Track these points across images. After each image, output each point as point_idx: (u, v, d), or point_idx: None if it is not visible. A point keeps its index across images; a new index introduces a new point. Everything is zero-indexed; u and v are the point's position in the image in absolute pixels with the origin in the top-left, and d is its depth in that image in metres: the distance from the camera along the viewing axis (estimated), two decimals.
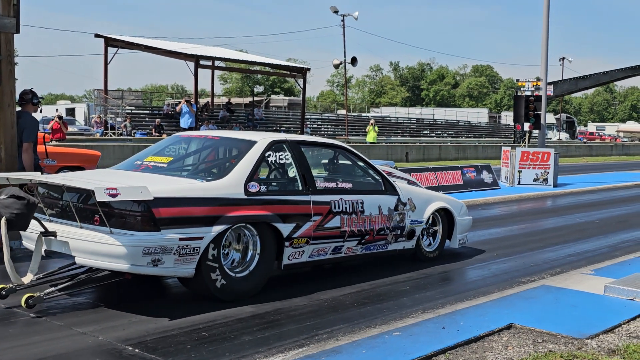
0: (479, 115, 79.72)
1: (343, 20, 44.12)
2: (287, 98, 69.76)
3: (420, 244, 8.87)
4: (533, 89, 21.98)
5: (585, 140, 73.08)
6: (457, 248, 9.53)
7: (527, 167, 20.16)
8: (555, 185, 20.16)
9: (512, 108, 23.69)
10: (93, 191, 5.64)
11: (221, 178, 6.77)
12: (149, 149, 7.99)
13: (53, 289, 6.20)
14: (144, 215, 5.95)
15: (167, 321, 5.98)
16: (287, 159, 7.44)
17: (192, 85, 38.62)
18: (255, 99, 59.23)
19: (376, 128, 34.63)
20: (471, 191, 17.77)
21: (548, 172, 20.04)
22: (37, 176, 6.73)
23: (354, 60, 42.89)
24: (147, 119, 39.53)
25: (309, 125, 47.15)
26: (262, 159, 7.13)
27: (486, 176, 18.88)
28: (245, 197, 6.71)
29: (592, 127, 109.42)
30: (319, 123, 53.13)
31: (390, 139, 47.39)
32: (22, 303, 5.95)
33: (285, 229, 6.98)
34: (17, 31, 8.59)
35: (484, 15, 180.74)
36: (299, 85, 47.18)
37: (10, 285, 6.28)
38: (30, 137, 8.88)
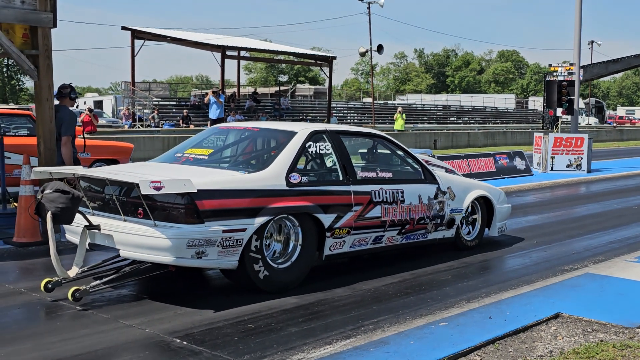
0: (505, 101, 78.99)
1: (369, 8, 43.94)
2: (312, 87, 69.64)
3: (460, 232, 8.80)
4: (566, 73, 21.69)
5: (615, 124, 72.13)
6: (496, 236, 9.43)
7: (560, 152, 19.90)
8: (589, 171, 19.89)
9: (540, 93, 23.35)
10: (138, 184, 5.66)
11: (263, 169, 6.75)
12: (188, 141, 8.00)
13: (98, 282, 6.24)
14: (187, 208, 5.95)
15: (212, 313, 5.99)
16: (328, 149, 7.40)
17: (216, 75, 38.89)
18: (282, 88, 59.18)
19: (404, 116, 34.41)
20: (504, 178, 17.58)
21: (582, 158, 19.77)
22: (79, 170, 6.76)
23: (380, 48, 42.70)
24: (174, 110, 39.71)
25: (335, 114, 47.04)
26: (302, 149, 7.11)
27: (519, 163, 18.68)
28: (287, 188, 6.69)
29: (621, 111, 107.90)
30: (345, 112, 52.99)
31: (417, 127, 47.14)
32: (69, 296, 6.00)
33: (326, 219, 6.95)
34: (54, 25, 8.64)
35: (509, 0, 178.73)
36: (324, 73, 47.06)
37: (56, 279, 6.32)
38: (68, 131, 8.93)
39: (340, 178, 7.29)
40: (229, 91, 44.38)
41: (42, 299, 6.33)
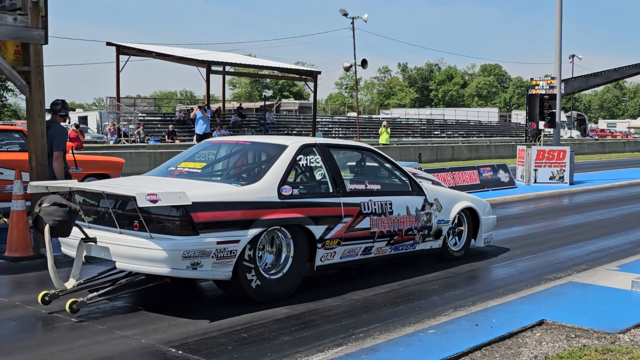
0: (489, 114, 79.72)
1: (353, 23, 44.16)
2: (297, 102, 69.89)
3: (447, 243, 8.98)
4: (547, 87, 22.03)
5: (596, 137, 72.90)
6: (482, 247, 9.63)
7: (543, 165, 20.18)
8: (572, 183, 20.18)
9: (522, 107, 23.68)
10: (134, 197, 5.81)
11: (255, 182, 6.92)
12: (180, 155, 8.18)
13: (95, 293, 6.35)
14: (182, 220, 6.10)
15: (206, 323, 6.11)
16: (318, 162, 7.57)
17: (200, 90, 39.22)
18: (267, 103, 59.39)
19: (389, 130, 34.66)
20: (488, 190, 17.82)
21: (564, 170, 20.06)
22: (76, 184, 6.88)
23: (364, 63, 42.94)
24: (159, 125, 39.79)
25: (320, 129, 47.27)
26: (293, 162, 7.28)
27: (503, 175, 18.93)
28: (279, 200, 6.87)
29: (602, 124, 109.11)
30: (330, 126, 53.25)
31: (402, 140, 47.46)
32: (67, 308, 6.10)
33: (317, 230, 7.13)
34: (46, 42, 8.77)
35: (491, 14, 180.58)
36: (308, 88, 47.33)
37: (53, 291, 6.42)
38: (60, 146, 9.04)
39: (330, 190, 7.47)
40: (214, 106, 44.55)
41: (37, 311, 6.43)
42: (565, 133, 68.38)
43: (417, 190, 8.53)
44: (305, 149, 7.50)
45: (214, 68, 38.85)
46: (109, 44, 38.38)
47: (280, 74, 48.68)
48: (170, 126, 37.00)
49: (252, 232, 6.52)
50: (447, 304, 6.93)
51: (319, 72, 43.72)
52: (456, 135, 60.50)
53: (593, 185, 20.31)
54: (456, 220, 9.15)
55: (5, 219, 10.00)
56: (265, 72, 50.01)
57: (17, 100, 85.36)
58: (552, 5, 22.23)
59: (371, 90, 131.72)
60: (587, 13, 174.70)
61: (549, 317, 6.31)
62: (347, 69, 44.92)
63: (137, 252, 6.18)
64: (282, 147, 7.42)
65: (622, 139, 70.39)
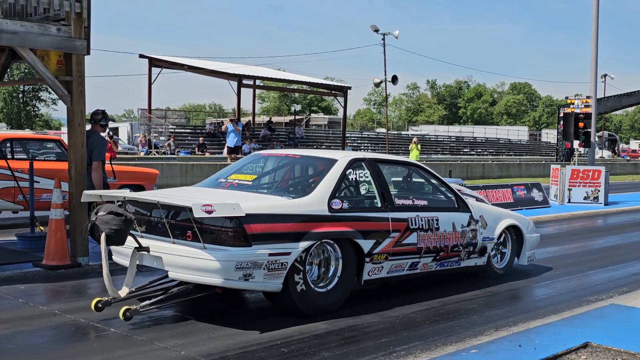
0: (519, 133, 79.05)
1: (384, 39, 44.19)
2: (327, 116, 70.07)
3: (491, 260, 8.95)
4: (582, 106, 21.82)
5: (628, 158, 72.00)
6: (525, 265, 9.46)
7: (577, 185, 19.94)
8: (607, 204, 19.90)
9: (552, 126, 23.45)
10: (190, 208, 5.87)
11: (306, 195, 6.98)
12: (230, 167, 8.30)
13: (148, 302, 6.39)
14: (236, 231, 6.15)
15: (246, 336, 6.07)
16: (367, 177, 7.61)
17: (229, 104, 39.51)
18: (296, 117, 59.56)
19: (419, 146, 34.49)
20: (522, 209, 17.61)
21: (599, 190, 19.80)
22: (129, 194, 6.97)
23: (394, 79, 42.88)
24: (189, 137, 40.02)
25: (349, 144, 47.25)
26: (343, 176, 7.31)
27: (536, 194, 18.73)
28: (329, 213, 6.90)
29: (634, 144, 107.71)
30: (359, 141, 53.24)
31: (432, 157, 47.26)
32: (120, 316, 6.14)
33: (365, 245, 7.13)
34: (88, 52, 8.84)
35: (521, 32, 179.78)
36: (337, 103, 47.38)
37: (107, 299, 6.48)
38: (99, 156, 9.11)
39: (379, 205, 7.49)
40: (244, 119, 44.74)
41: (76, 320, 6.44)
42: (596, 153, 67.70)
43: (463, 207, 8.52)
44: (354, 164, 7.54)
45: (244, 82, 39.07)
46: (141, 56, 38.73)
47: (310, 89, 48.81)
48: (200, 138, 37.22)
49: (303, 244, 6.55)
50: (487, 324, 6.81)
51: (349, 88, 43.75)
52: (485, 153, 60.13)
53: (628, 207, 20.01)
54: (501, 239, 9.09)
55: (42, 228, 10.06)
56: (295, 86, 50.21)
57: (49, 110, 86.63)
58: (583, 23, 22.08)
59: (399, 106, 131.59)
60: (620, 32, 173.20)
61: (593, 339, 6.17)
62: (377, 85, 44.87)
63: (190, 262, 6.23)
64: (332, 162, 7.47)
65: None
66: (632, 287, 8.71)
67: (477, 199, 9.43)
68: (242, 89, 39.80)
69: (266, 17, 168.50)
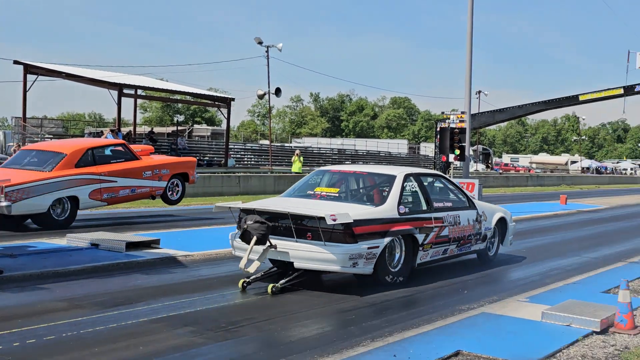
0: (399, 146, 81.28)
1: (267, 51, 44.35)
2: (210, 128, 69.40)
3: (488, 245, 11.73)
4: (457, 121, 22.65)
5: (501, 171, 75.34)
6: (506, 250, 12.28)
7: None
8: None
9: (430, 139, 24.22)
10: (323, 217, 8.26)
11: (383, 204, 9.41)
12: (311, 182, 10.55)
13: (283, 280, 8.81)
14: (346, 232, 8.56)
15: (357, 298, 8.65)
16: (415, 187, 10.15)
17: (109, 113, 38.64)
18: (179, 128, 58.69)
19: (301, 158, 34.82)
20: None
21: None
22: (259, 205, 9.27)
23: (278, 91, 43.08)
24: None
25: (232, 155, 47.01)
26: (402, 188, 9.75)
27: None
28: (399, 216, 9.40)
29: (506, 158, 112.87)
30: (242, 153, 53.08)
31: (313, 169, 47.64)
32: (269, 290, 8.58)
33: (420, 237, 9.66)
34: None
35: (401, 48, 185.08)
36: (221, 114, 47.06)
37: (248, 280, 8.94)
38: None
39: (425, 207, 10.02)
40: (124, 129, 43.67)
41: (235, 293, 8.80)
42: (471, 167, 70.41)
43: (472, 206, 11.17)
44: (407, 178, 10.02)
45: (125, 91, 38.14)
46: (16, 62, 37.09)
47: (193, 99, 48.22)
48: None
49: (386, 240, 9.07)
50: (364, 334, 6.93)
51: (233, 99, 43.60)
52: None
53: None
54: (495, 228, 11.78)
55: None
56: (178, 97, 49.51)
57: None
58: (459, 42, 22.98)
59: (283, 118, 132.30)
60: (493, 50, 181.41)
61: (464, 347, 6.41)
62: (260, 97, 44.92)
63: (313, 255, 8.59)
64: (393, 177, 9.91)
65: (524, 173, 72.97)
66: (501, 296, 9.09)
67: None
68: (124, 99, 38.83)
69: (149, 27, 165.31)
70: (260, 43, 43.68)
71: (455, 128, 21.95)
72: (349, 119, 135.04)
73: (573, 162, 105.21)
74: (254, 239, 8.57)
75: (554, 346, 6.62)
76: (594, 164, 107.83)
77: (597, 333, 7.16)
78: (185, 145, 45.69)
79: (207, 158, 44.09)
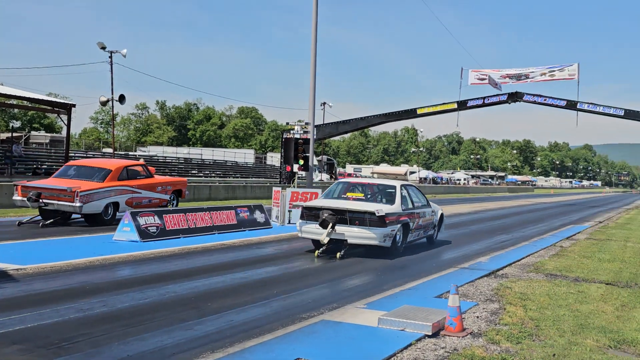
0: (245, 155, 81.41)
1: (111, 57, 43.06)
2: (49, 135, 66.24)
3: (434, 231, 17.64)
4: (302, 132, 23.02)
5: None
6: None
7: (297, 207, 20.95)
8: None
9: (277, 149, 24.51)
10: (375, 211, 13.64)
11: (393, 203, 14.74)
12: (336, 189, 15.86)
13: (340, 252, 13.88)
14: (381, 220, 13.72)
15: (384, 261, 14.12)
16: (405, 193, 15.60)
17: None
18: (14, 134, 55.58)
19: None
20: (245, 230, 18.11)
21: None
22: (325, 203, 14.38)
23: (122, 98, 41.93)
24: None
25: None
26: (401, 194, 15.26)
27: (259, 216, 19.33)
28: (402, 211, 14.77)
29: (349, 168, 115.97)
30: None
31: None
32: (337, 256, 13.72)
33: (411, 225, 15.13)
34: None
35: (250, 58, 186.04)
36: (62, 121, 45.12)
37: (319, 251, 14.06)
38: None
39: (411, 206, 15.49)
40: None
41: (313, 258, 13.62)
42: (316, 176, 71.66)
43: (429, 205, 16.99)
44: (402, 187, 15.73)
45: None
46: None
47: (30, 105, 45.89)
48: None
49: (397, 226, 14.41)
50: (204, 346, 6.89)
51: (74, 105, 41.82)
52: (213, 175, 60.93)
53: None
54: (438, 220, 17.83)
55: None
56: (14, 101, 46.97)
57: None
58: (307, 54, 23.40)
59: (128, 126, 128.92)
60: (339, 64, 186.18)
61: (304, 355, 6.54)
62: (103, 104, 43.50)
63: (361, 234, 13.75)
64: (394, 186, 15.60)
65: None
66: (341, 304, 9.32)
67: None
68: None
69: None
70: (103, 48, 42.34)
71: (299, 138, 22.30)
72: (196, 127, 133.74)
73: (412, 173, 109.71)
74: (330, 224, 13.65)
75: (389, 351, 6.89)
76: (430, 174, 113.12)
77: (429, 336, 7.52)
78: (22, 152, 43.38)
79: (45, 166, 42.07)
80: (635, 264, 14.61)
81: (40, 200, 17.56)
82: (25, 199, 17.72)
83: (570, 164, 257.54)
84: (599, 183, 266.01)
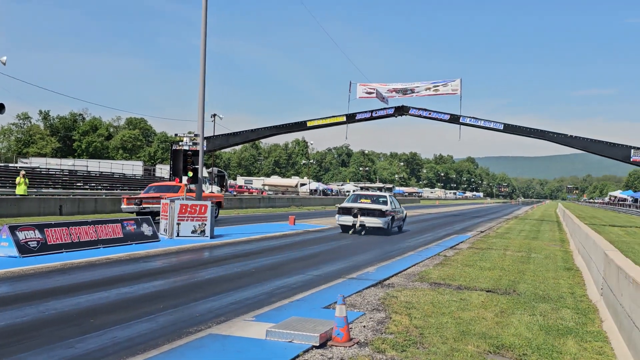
0: (133, 167, 79.72)
1: None
2: None
3: (402, 225, 30.55)
4: (191, 143, 22.74)
5: (235, 193, 76.87)
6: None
7: (186, 219, 20.70)
8: (213, 237, 20.96)
9: (167, 161, 24.15)
10: (382, 209, 26.21)
11: (387, 205, 26.80)
12: (353, 199, 27.99)
13: (363, 232, 26.81)
14: (384, 213, 26.07)
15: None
16: (391, 200, 28.12)
17: None
18: None
19: (27, 180, 32.66)
20: (132, 244, 17.69)
21: (205, 224, 20.78)
22: (357, 205, 26.69)
23: (1, 107, 40.10)
24: None
25: None
26: (391, 199, 28.03)
27: (146, 229, 18.92)
28: (391, 210, 27.05)
29: (240, 180, 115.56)
30: None
31: (42, 192, 45.10)
32: (362, 233, 26.58)
33: (397, 217, 28.39)
34: None
35: (138, 68, 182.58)
36: None
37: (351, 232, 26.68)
38: None
39: (394, 207, 27.79)
40: None
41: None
42: (207, 188, 70.93)
43: (400, 207, 29.66)
44: (389, 196, 28.58)
45: None
46: None
47: None
48: None
49: (390, 217, 26.68)
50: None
51: None
52: (100, 187, 59.25)
53: (232, 239, 21.29)
54: (403, 218, 30.90)
55: None
56: None
57: None
58: (197, 65, 23.18)
59: (8, 137, 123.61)
60: (230, 75, 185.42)
61: None
62: None
63: (375, 222, 25.95)
64: (386, 195, 28.41)
65: (257, 195, 75.14)
66: (229, 317, 9.27)
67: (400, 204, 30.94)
68: None
69: None
70: None
71: (188, 150, 22.02)
72: (81, 138, 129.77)
73: (302, 185, 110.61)
74: (359, 215, 25.59)
75: None
76: (321, 186, 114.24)
77: (316, 347, 7.58)
78: None
79: None
80: (513, 272, 15.25)
81: None
82: None
83: (454, 176, 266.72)
84: (481, 194, 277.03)
